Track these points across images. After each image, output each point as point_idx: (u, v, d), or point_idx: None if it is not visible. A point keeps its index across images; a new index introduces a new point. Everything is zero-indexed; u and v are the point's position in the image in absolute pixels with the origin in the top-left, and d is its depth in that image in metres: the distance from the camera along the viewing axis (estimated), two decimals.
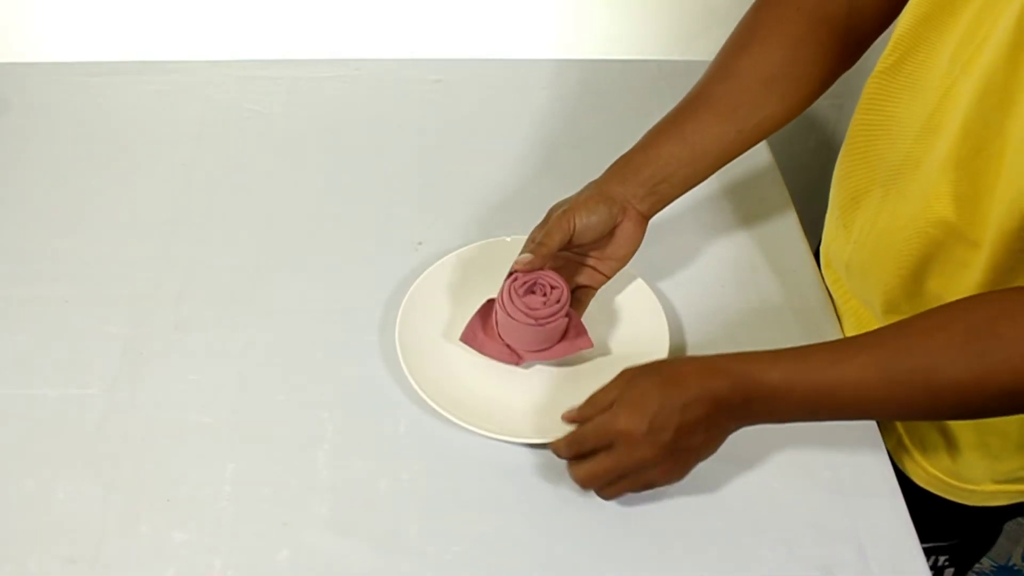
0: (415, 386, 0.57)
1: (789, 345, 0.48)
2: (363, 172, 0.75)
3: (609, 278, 0.60)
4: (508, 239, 0.65)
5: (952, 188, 0.49)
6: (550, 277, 0.57)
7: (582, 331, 0.60)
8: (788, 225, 0.71)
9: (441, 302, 0.63)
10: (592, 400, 0.50)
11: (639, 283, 0.63)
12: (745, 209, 0.72)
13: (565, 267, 0.60)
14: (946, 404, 0.46)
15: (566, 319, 0.58)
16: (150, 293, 0.65)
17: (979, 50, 0.47)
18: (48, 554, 0.51)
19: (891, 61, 0.53)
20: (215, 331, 0.63)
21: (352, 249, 0.69)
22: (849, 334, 0.63)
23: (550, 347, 0.59)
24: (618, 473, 0.49)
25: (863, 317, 0.62)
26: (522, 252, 0.57)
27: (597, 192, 0.57)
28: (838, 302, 0.65)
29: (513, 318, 0.56)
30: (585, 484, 0.51)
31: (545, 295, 0.57)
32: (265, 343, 0.62)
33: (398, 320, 0.61)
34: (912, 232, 0.53)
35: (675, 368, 0.49)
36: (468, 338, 0.60)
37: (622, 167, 0.58)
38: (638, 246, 0.59)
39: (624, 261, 0.59)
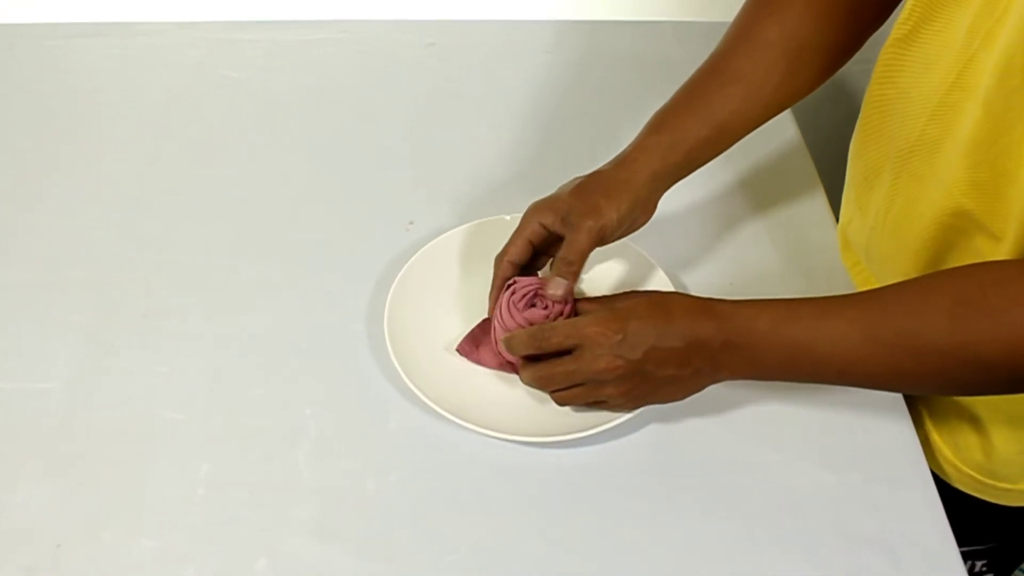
0: (405, 379, 0.56)
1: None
2: (349, 145, 0.75)
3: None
4: (508, 218, 0.64)
5: (970, 175, 0.48)
6: None
7: None
8: (815, 204, 0.71)
9: (435, 287, 0.63)
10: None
11: (660, 275, 0.63)
12: (769, 188, 0.72)
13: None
14: (927, 372, 0.46)
15: None
16: (116, 277, 0.65)
17: (1000, 22, 0.45)
18: (4, 561, 0.51)
19: (905, 30, 0.52)
20: (187, 319, 0.62)
21: (337, 229, 0.68)
22: None
23: None
24: (575, 379, 0.51)
25: None
26: (551, 275, 0.56)
27: (622, 187, 0.56)
28: (857, 283, 0.65)
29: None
30: (537, 383, 0.53)
31: (547, 307, 0.56)
32: (242, 332, 0.62)
33: (387, 307, 0.60)
34: (929, 220, 0.52)
35: (665, 297, 0.51)
36: (466, 350, 0.59)
37: (643, 155, 0.57)
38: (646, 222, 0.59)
39: (630, 233, 0.59)
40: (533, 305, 0.56)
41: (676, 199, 0.63)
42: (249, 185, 0.71)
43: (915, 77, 0.52)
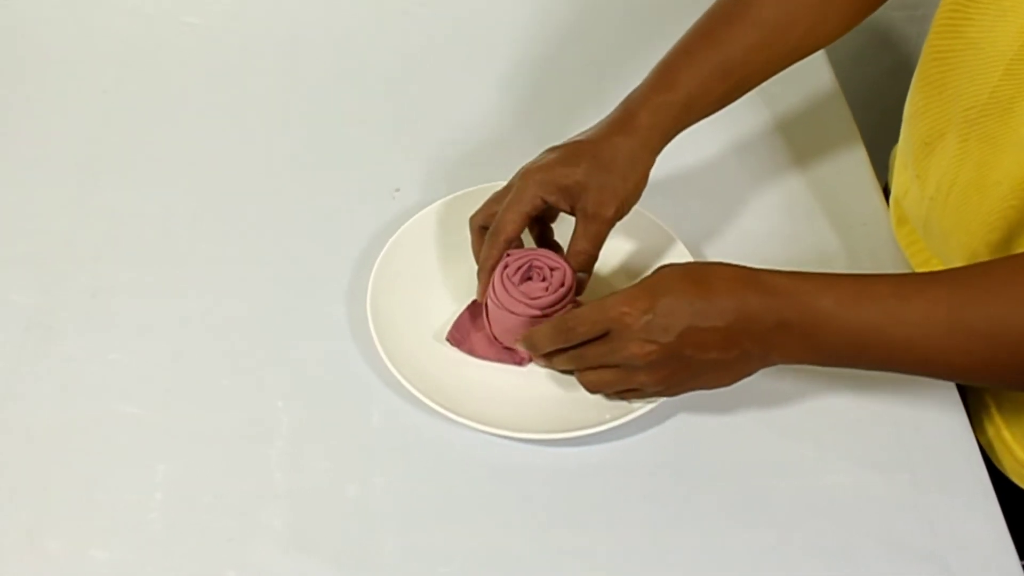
0: (391, 367, 0.55)
1: None
2: (326, 104, 0.74)
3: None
4: (505, 184, 0.63)
5: None
6: (549, 257, 0.56)
7: None
8: (856, 166, 0.70)
9: (424, 263, 0.61)
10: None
11: (680, 248, 0.61)
12: (802, 148, 0.71)
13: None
14: (1009, 365, 0.45)
15: (574, 306, 0.56)
16: (62, 251, 0.64)
17: None
18: None
19: None
20: (143, 299, 0.61)
21: (314, 197, 0.68)
22: None
23: None
24: (607, 360, 0.49)
25: None
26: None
27: (634, 163, 0.55)
28: (914, 264, 0.64)
29: (511, 311, 0.54)
30: (565, 365, 0.52)
31: (545, 279, 0.55)
32: (206, 314, 0.61)
33: (370, 286, 0.59)
34: (1007, 190, 0.51)
35: (704, 269, 0.48)
36: (457, 339, 0.58)
37: (644, 117, 0.56)
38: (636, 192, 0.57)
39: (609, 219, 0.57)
40: (529, 278, 0.55)
41: (695, 157, 0.63)
42: (213, 148, 0.70)
43: (987, 26, 0.50)
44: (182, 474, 0.54)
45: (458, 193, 0.63)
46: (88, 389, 0.57)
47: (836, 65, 0.75)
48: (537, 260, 0.55)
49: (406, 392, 0.55)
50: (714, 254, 0.64)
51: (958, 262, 0.56)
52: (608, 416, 0.53)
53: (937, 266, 0.61)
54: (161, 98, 0.73)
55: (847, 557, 0.51)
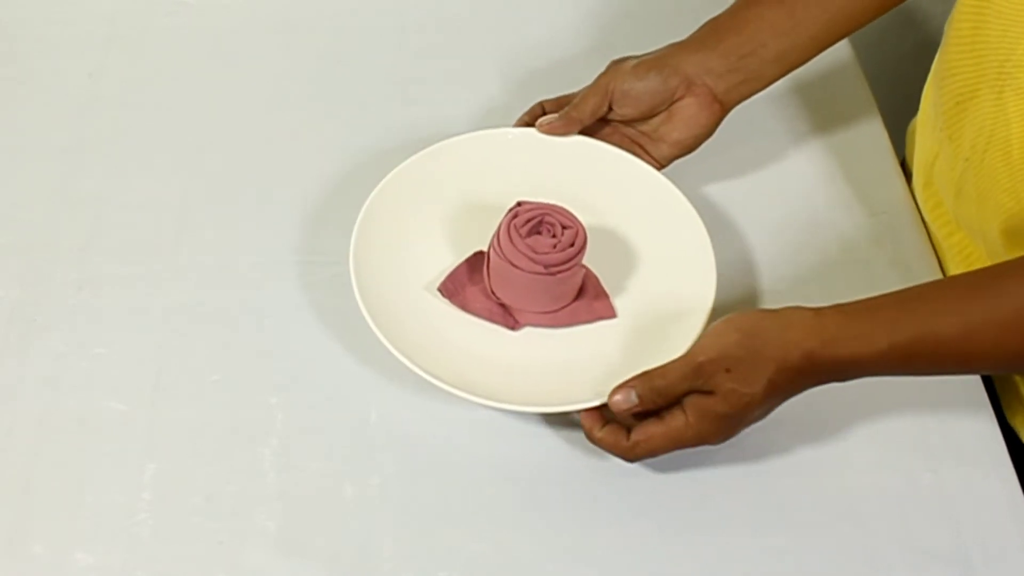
0: (373, 327, 0.54)
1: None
2: (323, 84, 0.73)
3: (661, 167, 0.62)
4: (512, 133, 0.63)
5: None
6: (562, 214, 0.55)
7: (601, 292, 0.57)
8: (877, 150, 0.69)
9: (415, 217, 0.60)
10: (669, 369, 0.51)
11: (698, 224, 0.60)
12: (822, 130, 0.70)
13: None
14: None
15: (582, 270, 0.55)
16: (46, 241, 0.63)
17: None
18: None
19: None
20: (130, 291, 0.61)
21: (309, 183, 0.67)
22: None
23: (559, 308, 0.56)
24: (675, 444, 0.51)
25: (971, 255, 0.61)
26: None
27: (657, 57, 0.59)
28: (938, 236, 0.64)
29: (514, 264, 0.54)
30: (636, 453, 0.52)
31: (555, 236, 0.54)
32: (195, 307, 0.60)
33: (353, 241, 0.57)
34: None
35: (784, 368, 0.49)
36: (450, 290, 0.57)
37: (704, 35, 0.60)
38: (705, 134, 0.60)
39: (681, 148, 0.61)
40: (538, 232, 0.55)
41: (712, 142, 0.61)
42: (204, 133, 0.69)
43: None
44: (171, 474, 0.53)
45: (453, 139, 0.62)
46: (73, 385, 0.56)
47: (857, 46, 0.74)
48: (550, 215, 0.55)
49: (406, 388, 0.55)
50: (731, 240, 0.63)
51: (991, 223, 0.56)
52: (603, 389, 0.51)
53: (960, 236, 0.62)
54: (149, 82, 0.72)
55: (867, 558, 0.51)
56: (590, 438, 0.52)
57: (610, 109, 0.60)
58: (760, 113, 0.69)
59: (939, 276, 0.62)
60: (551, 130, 0.60)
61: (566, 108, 0.61)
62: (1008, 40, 0.52)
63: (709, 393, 0.49)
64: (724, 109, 0.60)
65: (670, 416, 0.50)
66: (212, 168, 0.67)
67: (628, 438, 0.50)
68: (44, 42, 0.74)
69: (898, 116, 0.73)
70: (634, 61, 0.59)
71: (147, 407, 0.56)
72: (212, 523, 0.52)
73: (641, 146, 0.62)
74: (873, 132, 0.69)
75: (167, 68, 0.73)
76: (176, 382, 0.57)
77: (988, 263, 0.56)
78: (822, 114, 0.71)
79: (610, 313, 0.57)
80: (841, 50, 0.74)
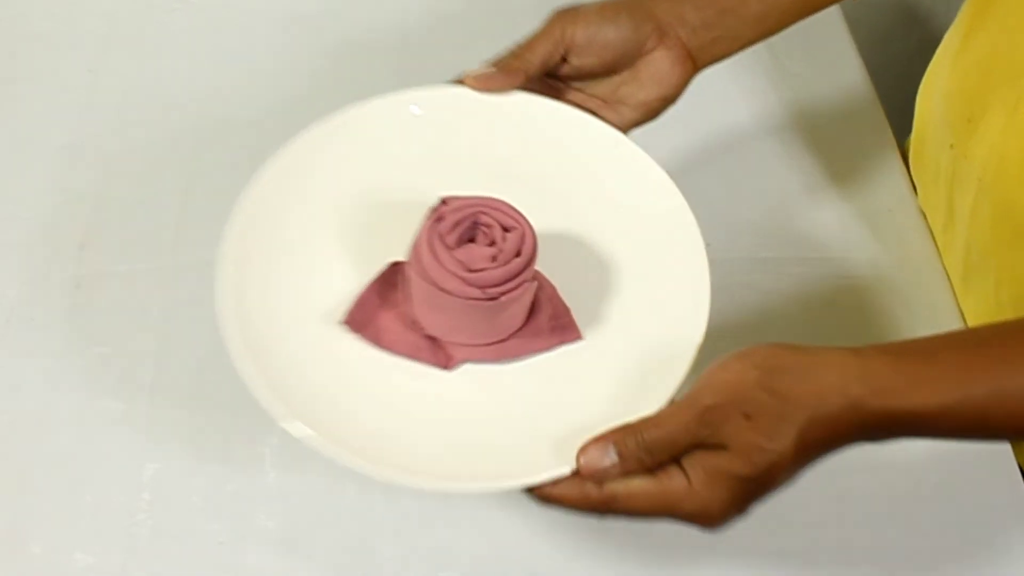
0: (260, 398, 0.42)
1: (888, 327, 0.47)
2: (323, 85, 0.72)
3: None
4: (427, 96, 0.48)
5: None
6: (503, 211, 0.41)
7: (561, 309, 0.44)
8: (881, 149, 0.68)
9: (295, 222, 0.46)
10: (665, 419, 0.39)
11: (694, 231, 0.47)
12: (825, 131, 0.70)
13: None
14: None
15: (534, 283, 0.42)
16: (44, 238, 0.63)
17: None
18: None
19: None
20: (130, 288, 0.61)
21: None
22: (967, 301, 0.60)
23: (506, 338, 0.43)
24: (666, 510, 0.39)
25: (972, 255, 0.59)
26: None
27: (624, 0, 0.47)
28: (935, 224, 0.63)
29: (441, 288, 0.40)
30: (612, 508, 0.40)
31: (494, 243, 0.41)
32: (196, 304, 0.60)
33: (218, 275, 0.44)
34: None
35: (820, 417, 0.38)
36: (358, 321, 0.43)
37: None
38: (674, 95, 0.49)
39: (646, 112, 0.49)
40: (472, 239, 0.42)
41: (712, 140, 0.61)
42: (205, 127, 0.69)
43: None
44: (171, 474, 0.53)
45: (334, 116, 0.49)
46: (71, 384, 0.56)
47: (861, 44, 0.74)
48: (485, 213, 0.41)
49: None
50: (733, 240, 0.62)
51: (1007, 249, 0.54)
52: (568, 448, 0.38)
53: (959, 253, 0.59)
54: (148, 77, 0.71)
55: (874, 563, 0.51)
56: (541, 496, 0.39)
57: (563, 61, 0.47)
58: (765, 118, 0.68)
59: (950, 292, 0.60)
60: (485, 84, 0.46)
61: (504, 56, 0.47)
62: (1019, 55, 0.50)
63: (719, 448, 0.37)
64: (695, 69, 0.49)
65: (665, 474, 0.38)
66: (212, 166, 0.67)
67: (600, 489, 0.38)
68: (44, 39, 0.74)
69: (903, 115, 0.72)
70: (594, 5, 0.47)
71: (147, 406, 0.55)
72: (211, 523, 0.52)
73: (593, 112, 0.49)
74: (880, 138, 0.68)
75: (167, 65, 0.73)
76: (176, 380, 0.56)
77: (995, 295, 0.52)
78: (827, 118, 0.70)
79: (574, 335, 0.43)
80: (846, 51, 0.73)
